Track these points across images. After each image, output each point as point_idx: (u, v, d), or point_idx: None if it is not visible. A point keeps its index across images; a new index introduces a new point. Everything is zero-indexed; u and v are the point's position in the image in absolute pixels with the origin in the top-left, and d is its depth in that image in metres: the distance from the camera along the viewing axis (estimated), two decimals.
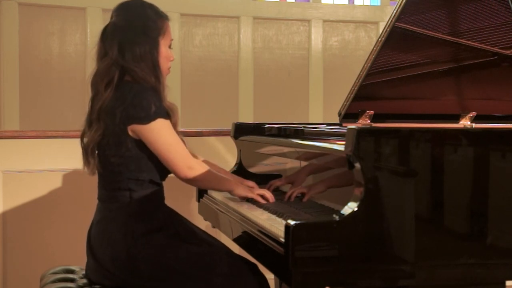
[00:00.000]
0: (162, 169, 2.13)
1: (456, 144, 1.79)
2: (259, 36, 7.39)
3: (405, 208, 1.73)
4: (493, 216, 1.79)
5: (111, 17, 2.17)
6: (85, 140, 2.16)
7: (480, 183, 1.80)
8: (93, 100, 2.14)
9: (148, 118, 2.03)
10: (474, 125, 2.62)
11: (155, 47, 2.12)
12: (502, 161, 1.82)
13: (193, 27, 7.17)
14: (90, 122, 2.13)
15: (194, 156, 2.34)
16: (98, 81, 2.11)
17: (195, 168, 2.12)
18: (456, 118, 2.67)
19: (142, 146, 2.08)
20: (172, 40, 2.21)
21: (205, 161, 2.43)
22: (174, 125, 2.14)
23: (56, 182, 3.19)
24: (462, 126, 2.63)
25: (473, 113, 2.66)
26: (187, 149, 2.14)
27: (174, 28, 7.24)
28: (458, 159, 1.78)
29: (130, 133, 2.06)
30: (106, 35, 2.13)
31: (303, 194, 2.23)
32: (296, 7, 7.56)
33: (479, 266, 1.79)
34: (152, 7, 2.19)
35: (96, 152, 2.14)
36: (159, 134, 2.05)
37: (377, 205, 1.70)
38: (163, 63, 2.16)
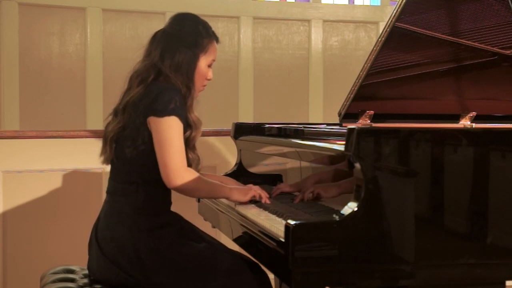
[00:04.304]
0: None
1: (456, 144, 1.79)
2: (259, 36, 7.39)
3: (405, 208, 1.73)
4: (493, 216, 1.79)
5: (166, 23, 2.28)
6: (108, 129, 2.22)
7: (480, 183, 1.80)
8: (125, 93, 2.23)
9: (163, 112, 2.08)
10: (474, 125, 2.62)
11: (193, 60, 2.21)
12: (502, 161, 1.82)
13: None
14: (116, 112, 2.22)
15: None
16: (134, 77, 2.21)
17: (185, 178, 2.09)
18: (456, 118, 2.67)
19: None
20: (214, 60, 2.29)
21: (204, 175, 2.40)
22: (193, 139, 2.18)
23: (56, 182, 3.19)
24: (462, 126, 2.63)
25: (473, 113, 2.66)
26: (185, 160, 2.11)
27: None
28: (458, 159, 1.78)
29: (148, 125, 2.11)
30: (155, 39, 2.25)
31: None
32: (296, 7, 7.56)
33: (479, 266, 1.79)
34: (205, 25, 2.28)
35: (115, 142, 2.20)
36: (167, 129, 2.08)
37: (377, 205, 1.70)
38: (198, 79, 2.24)
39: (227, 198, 2.24)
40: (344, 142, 1.75)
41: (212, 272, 2.06)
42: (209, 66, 2.28)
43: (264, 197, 2.21)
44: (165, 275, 2.06)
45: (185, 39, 2.21)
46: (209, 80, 2.30)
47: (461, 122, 2.66)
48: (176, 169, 2.07)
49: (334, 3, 7.82)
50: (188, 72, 2.20)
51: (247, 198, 2.21)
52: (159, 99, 2.09)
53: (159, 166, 2.09)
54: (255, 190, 2.22)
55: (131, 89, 2.19)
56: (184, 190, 2.11)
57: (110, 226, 2.14)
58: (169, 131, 2.08)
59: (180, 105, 2.10)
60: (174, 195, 2.22)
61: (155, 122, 2.09)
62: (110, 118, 2.24)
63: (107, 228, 2.14)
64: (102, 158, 2.24)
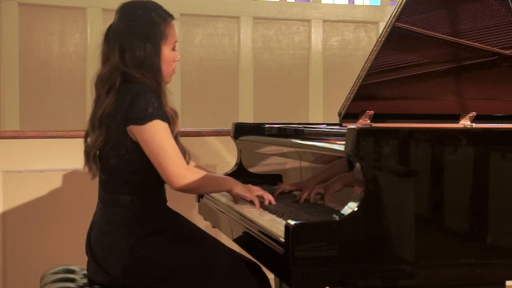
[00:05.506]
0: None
1: (456, 144, 1.79)
2: (259, 36, 7.39)
3: (405, 208, 1.73)
4: (493, 216, 1.79)
5: (115, 18, 2.15)
6: (88, 141, 2.14)
7: (480, 183, 1.80)
8: (96, 103, 2.13)
9: (144, 119, 1.99)
10: (474, 125, 2.62)
11: (156, 52, 2.09)
12: (502, 161, 1.82)
13: (193, 27, 7.16)
14: (92, 126, 2.11)
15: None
16: (100, 86, 2.10)
17: (189, 177, 2.03)
18: (456, 118, 2.67)
19: (141, 149, 2.04)
20: (176, 41, 2.17)
21: (198, 166, 2.40)
22: (173, 133, 2.09)
23: (56, 182, 3.19)
24: (462, 126, 2.63)
25: (473, 113, 2.66)
26: (183, 158, 2.06)
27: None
28: (458, 159, 1.78)
29: (129, 134, 2.04)
30: (109, 37, 2.12)
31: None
32: (296, 7, 7.56)
33: (479, 266, 1.79)
34: (156, 9, 2.14)
35: (98, 155, 2.12)
36: (154, 135, 2.00)
37: (377, 205, 1.70)
38: (166, 67, 2.13)
39: (230, 191, 2.19)
40: (344, 142, 1.75)
41: (211, 273, 2.05)
42: (173, 49, 2.15)
43: (267, 198, 2.15)
44: (164, 280, 2.05)
45: (140, 32, 2.07)
46: (177, 60, 2.18)
47: (461, 122, 2.66)
48: (177, 171, 2.01)
49: (334, 3, 7.82)
50: (154, 66, 2.08)
51: (249, 194, 2.16)
52: (135, 106, 1.99)
53: (159, 173, 2.03)
54: (259, 194, 2.18)
55: (101, 99, 2.08)
56: (190, 189, 2.07)
57: (105, 235, 2.10)
58: (156, 137, 2.00)
59: (158, 105, 2.02)
60: (174, 195, 2.21)
61: (138, 131, 2.01)
62: (88, 129, 2.14)
63: (101, 238, 2.11)
64: (89, 173, 2.16)
